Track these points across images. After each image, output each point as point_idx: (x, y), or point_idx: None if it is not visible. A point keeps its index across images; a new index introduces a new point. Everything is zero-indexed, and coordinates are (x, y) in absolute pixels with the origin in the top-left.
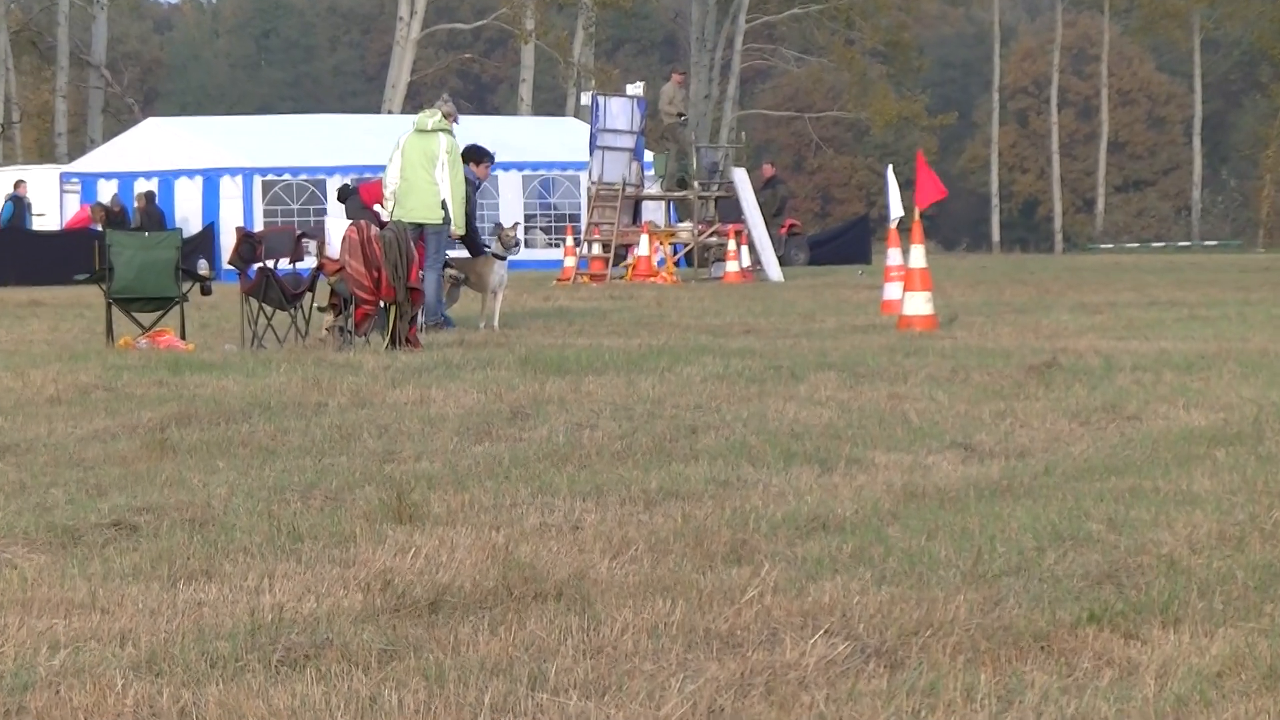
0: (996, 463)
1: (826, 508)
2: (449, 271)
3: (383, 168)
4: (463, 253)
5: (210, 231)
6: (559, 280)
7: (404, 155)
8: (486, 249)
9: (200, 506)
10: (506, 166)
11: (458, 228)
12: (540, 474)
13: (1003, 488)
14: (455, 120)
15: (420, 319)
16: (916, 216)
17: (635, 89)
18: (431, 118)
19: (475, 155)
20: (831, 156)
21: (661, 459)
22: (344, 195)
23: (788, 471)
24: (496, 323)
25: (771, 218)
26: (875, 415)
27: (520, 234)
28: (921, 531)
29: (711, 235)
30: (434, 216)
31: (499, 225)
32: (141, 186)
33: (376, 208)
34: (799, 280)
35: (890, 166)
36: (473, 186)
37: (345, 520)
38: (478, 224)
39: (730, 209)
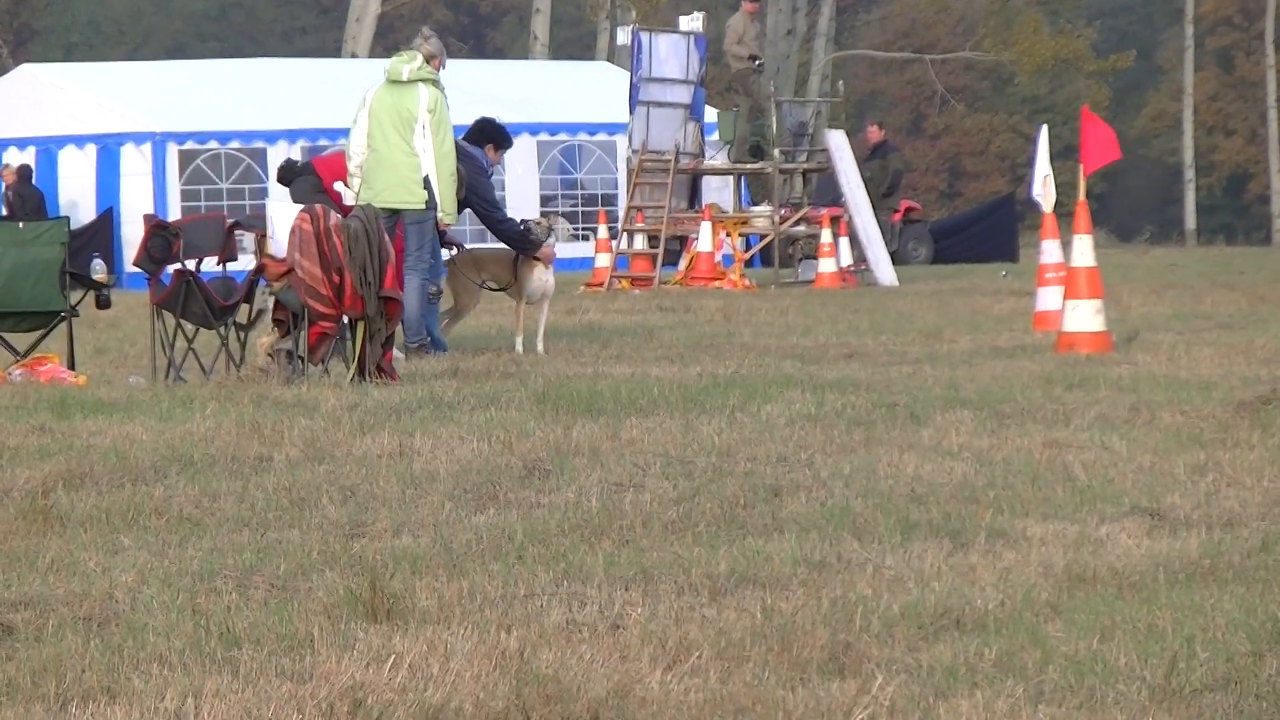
0: (1195, 535)
1: (961, 598)
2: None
3: (345, 132)
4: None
5: (108, 220)
6: (588, 285)
7: (372, 116)
8: (530, 238)
9: (99, 599)
10: (515, 130)
11: (446, 214)
12: (566, 552)
13: (1204, 569)
14: (441, 66)
15: (400, 341)
16: (1081, 194)
17: (692, 22)
18: (408, 63)
19: (492, 135)
20: (962, 114)
21: (732, 531)
22: (288, 175)
23: (907, 548)
24: (541, 345)
25: (881, 198)
26: (1026, 470)
27: (559, 226)
28: (1092, 630)
29: (798, 223)
30: (413, 199)
31: (524, 221)
32: (13, 158)
33: (339, 188)
34: (918, 284)
35: (1044, 127)
36: (481, 171)
37: (298, 618)
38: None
39: (824, 187)
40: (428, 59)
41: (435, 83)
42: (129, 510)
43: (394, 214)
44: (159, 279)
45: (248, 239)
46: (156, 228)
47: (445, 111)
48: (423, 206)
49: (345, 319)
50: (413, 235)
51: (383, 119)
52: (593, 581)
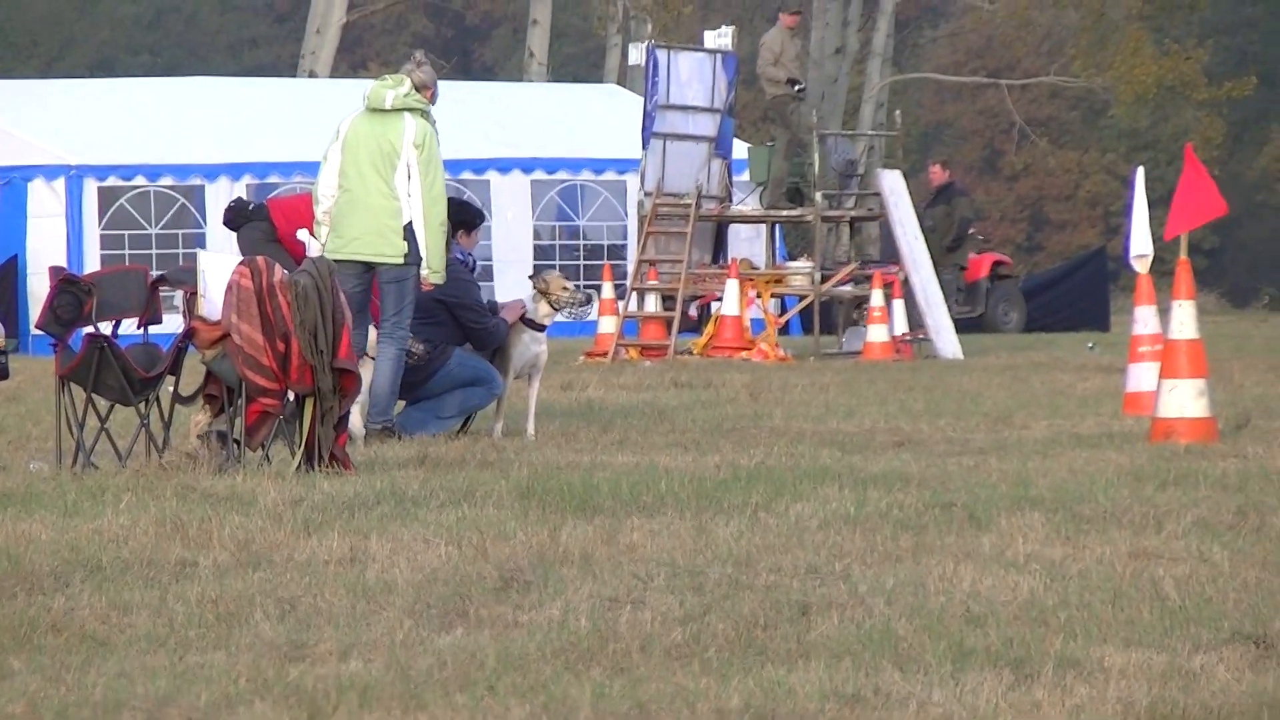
0: None
1: None
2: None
3: (301, 167)
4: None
5: (10, 271)
6: (589, 355)
7: (346, 149)
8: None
9: None
10: (505, 166)
11: (433, 272)
12: (547, 683)
13: None
14: (433, 97)
15: (355, 422)
16: (1182, 252)
17: (720, 38)
18: (394, 88)
19: (461, 217)
20: (1046, 152)
21: (749, 658)
22: (237, 220)
23: (959, 680)
24: (531, 427)
25: (944, 252)
26: (1107, 586)
27: (584, 296)
28: None
29: (846, 282)
30: (391, 251)
31: (540, 274)
32: None
33: (303, 236)
34: (988, 356)
35: (1140, 169)
36: (464, 274)
37: None
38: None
39: (891, 241)
40: (419, 88)
41: (425, 114)
42: (20, 626)
43: (368, 269)
44: (67, 344)
45: (177, 296)
46: (64, 283)
47: (436, 148)
48: (402, 260)
49: (291, 395)
50: (391, 296)
51: (359, 153)
52: (579, 716)
